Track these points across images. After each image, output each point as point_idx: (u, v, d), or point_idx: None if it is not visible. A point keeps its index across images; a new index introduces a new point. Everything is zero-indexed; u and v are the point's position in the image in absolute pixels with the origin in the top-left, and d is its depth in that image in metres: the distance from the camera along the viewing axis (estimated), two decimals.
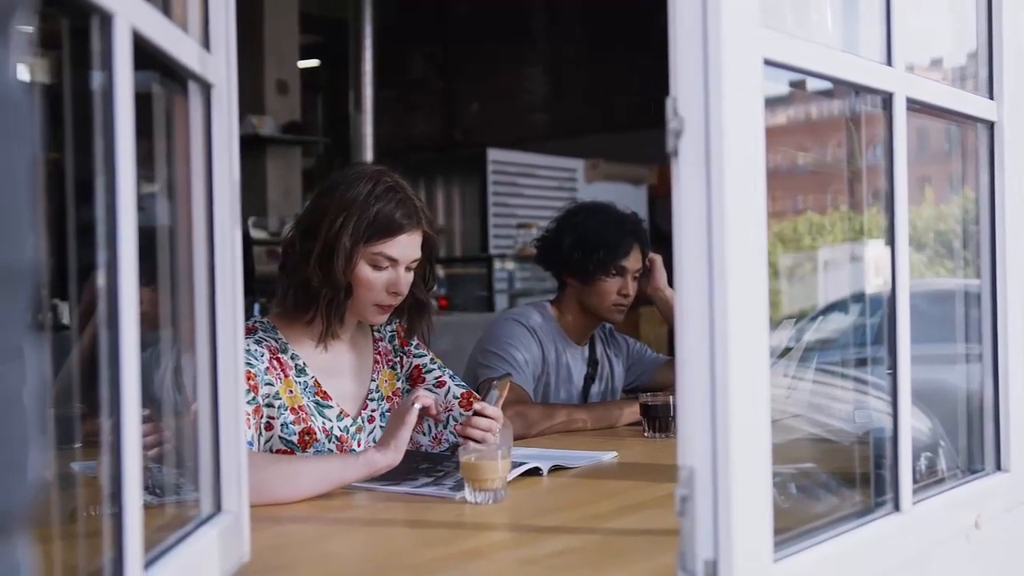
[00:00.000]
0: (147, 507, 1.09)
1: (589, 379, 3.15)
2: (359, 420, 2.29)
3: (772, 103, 1.27)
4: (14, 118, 0.58)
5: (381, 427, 2.31)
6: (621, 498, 1.97)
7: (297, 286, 2.20)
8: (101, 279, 1.01)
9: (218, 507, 1.38)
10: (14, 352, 0.58)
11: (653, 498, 1.93)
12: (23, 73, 0.61)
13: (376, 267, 2.19)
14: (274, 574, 1.48)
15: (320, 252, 2.16)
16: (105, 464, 1.03)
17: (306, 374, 2.23)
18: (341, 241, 2.15)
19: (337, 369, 2.29)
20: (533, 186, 8.22)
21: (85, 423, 1.50)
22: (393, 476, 2.04)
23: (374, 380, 2.35)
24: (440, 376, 2.40)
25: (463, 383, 2.42)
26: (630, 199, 5.73)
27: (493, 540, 1.70)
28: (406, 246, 2.20)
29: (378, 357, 2.38)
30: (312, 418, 2.19)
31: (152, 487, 1.34)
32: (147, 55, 1.12)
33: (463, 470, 1.88)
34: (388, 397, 2.36)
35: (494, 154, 8.10)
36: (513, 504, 1.88)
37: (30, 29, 0.64)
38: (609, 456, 2.36)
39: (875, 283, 1.92)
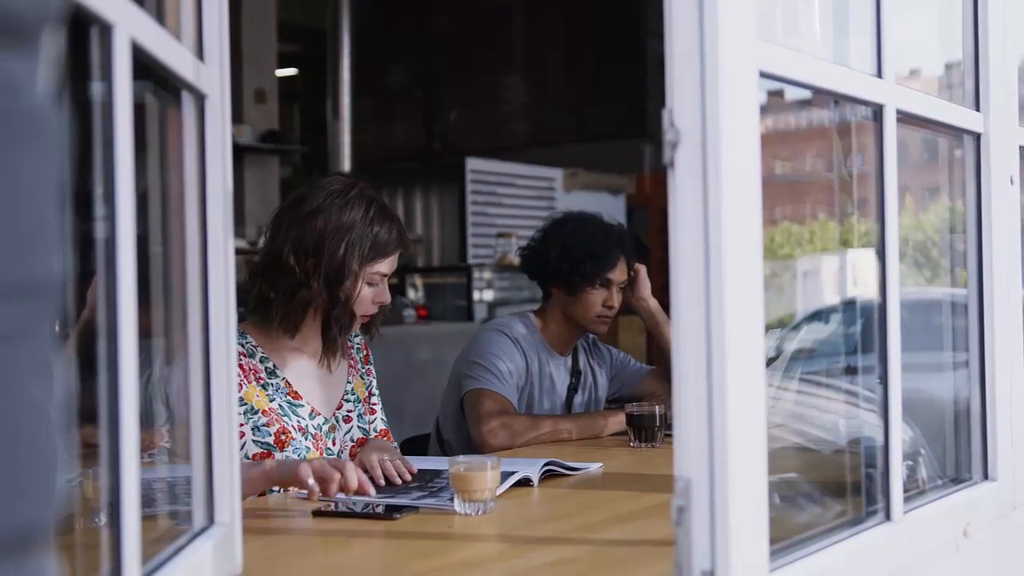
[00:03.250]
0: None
1: (572, 389, 3.14)
2: (332, 420, 2.36)
3: None
4: (42, 134, 0.58)
5: (359, 427, 2.41)
6: (611, 508, 1.97)
7: (301, 306, 2.26)
8: (99, 290, 1.00)
9: (211, 519, 1.37)
10: (43, 366, 0.58)
11: (643, 508, 1.94)
12: (51, 86, 0.60)
13: (370, 284, 2.30)
14: None
15: (327, 276, 2.24)
16: (103, 476, 1.03)
17: (277, 376, 2.29)
18: (349, 266, 2.25)
19: (310, 372, 2.36)
20: (512, 195, 8.22)
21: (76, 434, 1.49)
22: (386, 491, 2.04)
23: (350, 382, 2.43)
24: (375, 404, 2.52)
25: (386, 420, 2.52)
26: (608, 209, 5.74)
27: (485, 551, 1.69)
28: (395, 261, 2.34)
29: (352, 363, 2.47)
30: (285, 418, 2.25)
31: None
32: (141, 64, 1.12)
33: (452, 481, 1.88)
34: (364, 400, 2.46)
35: (473, 163, 8.09)
36: (503, 515, 1.88)
37: (60, 41, 0.63)
38: (596, 467, 2.36)
39: (856, 293, 1.94)
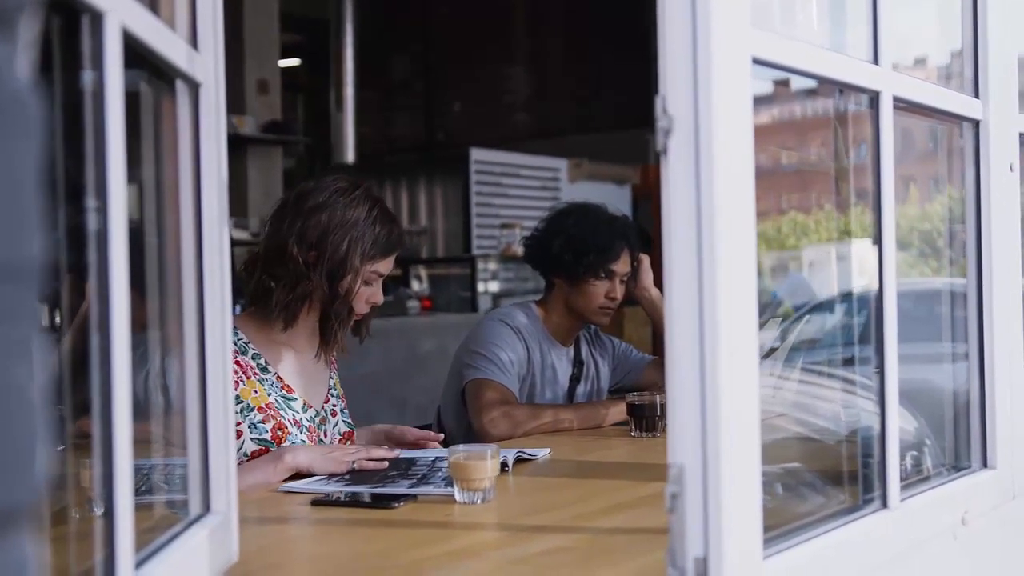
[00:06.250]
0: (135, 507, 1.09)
1: (575, 380, 3.14)
2: (323, 412, 2.40)
3: (756, 102, 1.27)
4: (21, 118, 0.58)
5: (344, 421, 2.46)
6: (609, 497, 1.97)
7: (300, 298, 2.29)
8: (92, 281, 1.01)
9: (207, 507, 1.37)
10: (23, 348, 0.59)
11: (640, 497, 1.94)
12: (29, 72, 0.61)
13: (366, 283, 2.33)
14: (262, 574, 1.48)
15: (328, 270, 2.26)
16: (96, 465, 1.03)
17: (269, 371, 2.31)
18: (351, 262, 2.28)
19: (298, 366, 2.38)
20: (516, 186, 8.22)
21: (71, 424, 1.50)
22: (371, 481, 2.03)
23: (332, 378, 2.48)
24: (344, 405, 2.52)
25: (350, 421, 2.51)
26: (614, 199, 5.73)
27: (483, 539, 1.70)
28: (392, 262, 2.38)
29: (332, 360, 2.50)
30: (281, 413, 2.28)
31: (138, 487, 1.34)
32: (135, 53, 1.12)
33: (452, 470, 1.88)
34: (342, 396, 2.50)
35: (477, 154, 8.09)
36: (501, 504, 1.88)
37: (37, 27, 0.64)
38: (543, 452, 2.38)
39: (860, 283, 1.93)
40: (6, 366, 0.57)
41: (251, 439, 2.22)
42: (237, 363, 2.24)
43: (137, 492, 1.18)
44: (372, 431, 2.52)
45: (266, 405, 2.26)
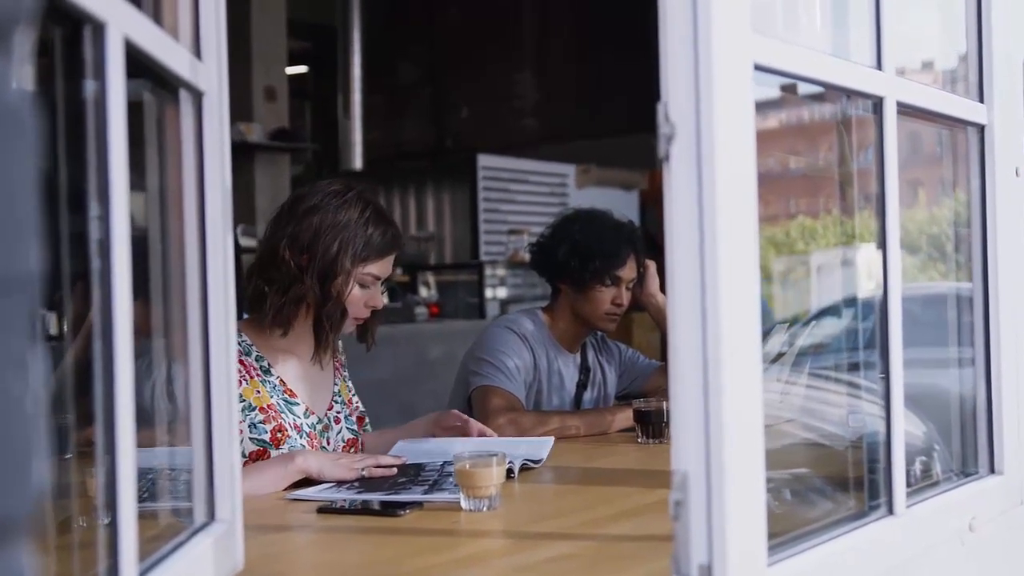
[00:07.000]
0: (139, 515, 1.09)
1: (581, 386, 3.14)
2: (325, 419, 2.40)
3: (762, 107, 1.27)
4: (17, 129, 0.58)
5: (348, 428, 2.45)
6: (615, 504, 1.97)
7: (293, 301, 2.28)
8: (95, 289, 1.01)
9: (212, 516, 1.37)
10: (18, 360, 0.59)
11: (647, 503, 1.93)
12: (25, 83, 0.61)
13: (362, 286, 2.32)
14: None
15: (320, 272, 2.26)
16: (99, 473, 1.03)
17: (272, 374, 2.32)
18: (341, 264, 2.27)
19: (302, 372, 2.38)
20: (524, 192, 8.23)
21: (78, 433, 1.50)
22: (381, 489, 2.03)
23: (336, 384, 2.47)
24: (350, 412, 2.51)
25: (355, 428, 2.50)
26: (621, 204, 5.71)
27: (489, 547, 1.69)
28: (390, 265, 2.37)
29: (337, 366, 2.50)
30: (282, 415, 2.28)
31: (142, 494, 1.34)
32: (138, 63, 1.12)
33: (457, 478, 1.88)
34: (348, 402, 2.49)
35: (485, 160, 8.10)
36: (508, 511, 1.88)
37: (32, 39, 0.64)
38: (547, 443, 2.39)
39: (867, 287, 1.93)
40: (2, 378, 0.57)
41: (250, 439, 2.22)
42: (240, 363, 2.25)
43: (141, 499, 1.18)
44: (426, 422, 2.54)
45: (268, 406, 2.26)
